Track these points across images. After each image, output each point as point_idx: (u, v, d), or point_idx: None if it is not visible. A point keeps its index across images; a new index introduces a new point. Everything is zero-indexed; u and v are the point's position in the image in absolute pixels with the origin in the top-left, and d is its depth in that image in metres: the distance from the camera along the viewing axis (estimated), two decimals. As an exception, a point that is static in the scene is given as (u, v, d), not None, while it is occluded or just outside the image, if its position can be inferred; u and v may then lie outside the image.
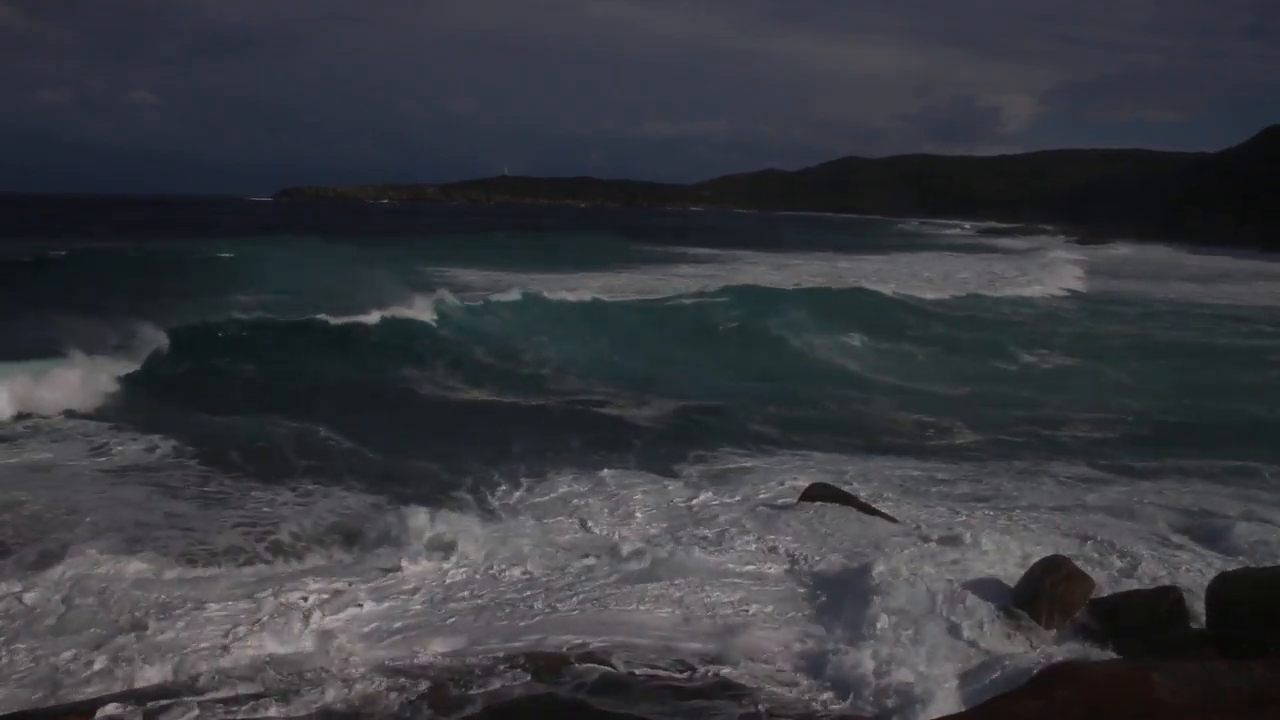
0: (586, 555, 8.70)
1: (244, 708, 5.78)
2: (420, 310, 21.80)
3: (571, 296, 26.24)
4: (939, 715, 5.78)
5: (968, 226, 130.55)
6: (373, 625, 7.14)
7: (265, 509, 9.89)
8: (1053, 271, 47.39)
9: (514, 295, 25.53)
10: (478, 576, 8.14)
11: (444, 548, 8.61)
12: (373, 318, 20.54)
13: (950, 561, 8.31)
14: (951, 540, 8.90)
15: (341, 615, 7.26)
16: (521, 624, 7.21)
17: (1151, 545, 9.32)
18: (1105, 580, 7.99)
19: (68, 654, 6.47)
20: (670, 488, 11.21)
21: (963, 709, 5.71)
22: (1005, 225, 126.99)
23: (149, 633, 6.78)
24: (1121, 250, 77.69)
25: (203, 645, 6.62)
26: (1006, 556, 8.43)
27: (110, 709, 5.63)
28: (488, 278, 34.05)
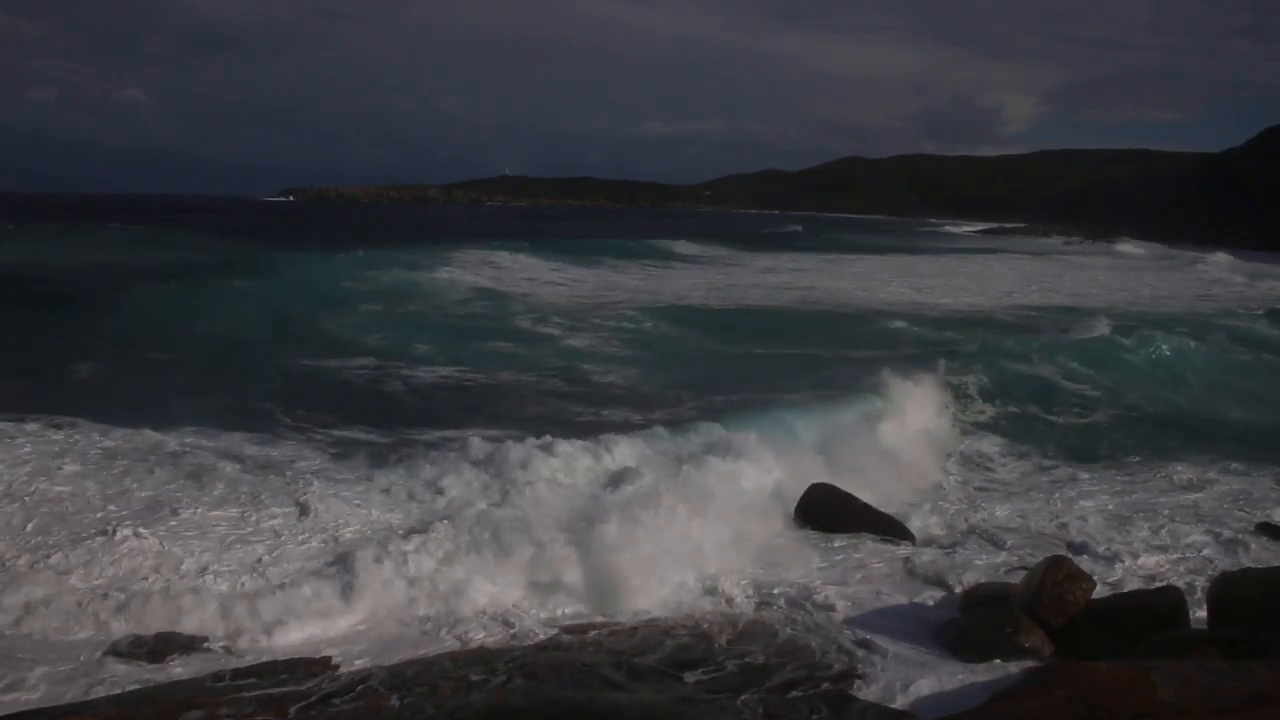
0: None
1: (245, 707, 5.77)
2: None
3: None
4: (940, 715, 5.78)
5: (1010, 227, 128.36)
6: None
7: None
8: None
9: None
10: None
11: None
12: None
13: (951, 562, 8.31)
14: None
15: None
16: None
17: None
18: (1105, 580, 8.00)
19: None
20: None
21: (963, 709, 5.70)
22: (1012, 225, 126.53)
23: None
24: (1220, 257, 64.85)
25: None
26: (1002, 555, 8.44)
27: (110, 710, 5.63)
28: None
